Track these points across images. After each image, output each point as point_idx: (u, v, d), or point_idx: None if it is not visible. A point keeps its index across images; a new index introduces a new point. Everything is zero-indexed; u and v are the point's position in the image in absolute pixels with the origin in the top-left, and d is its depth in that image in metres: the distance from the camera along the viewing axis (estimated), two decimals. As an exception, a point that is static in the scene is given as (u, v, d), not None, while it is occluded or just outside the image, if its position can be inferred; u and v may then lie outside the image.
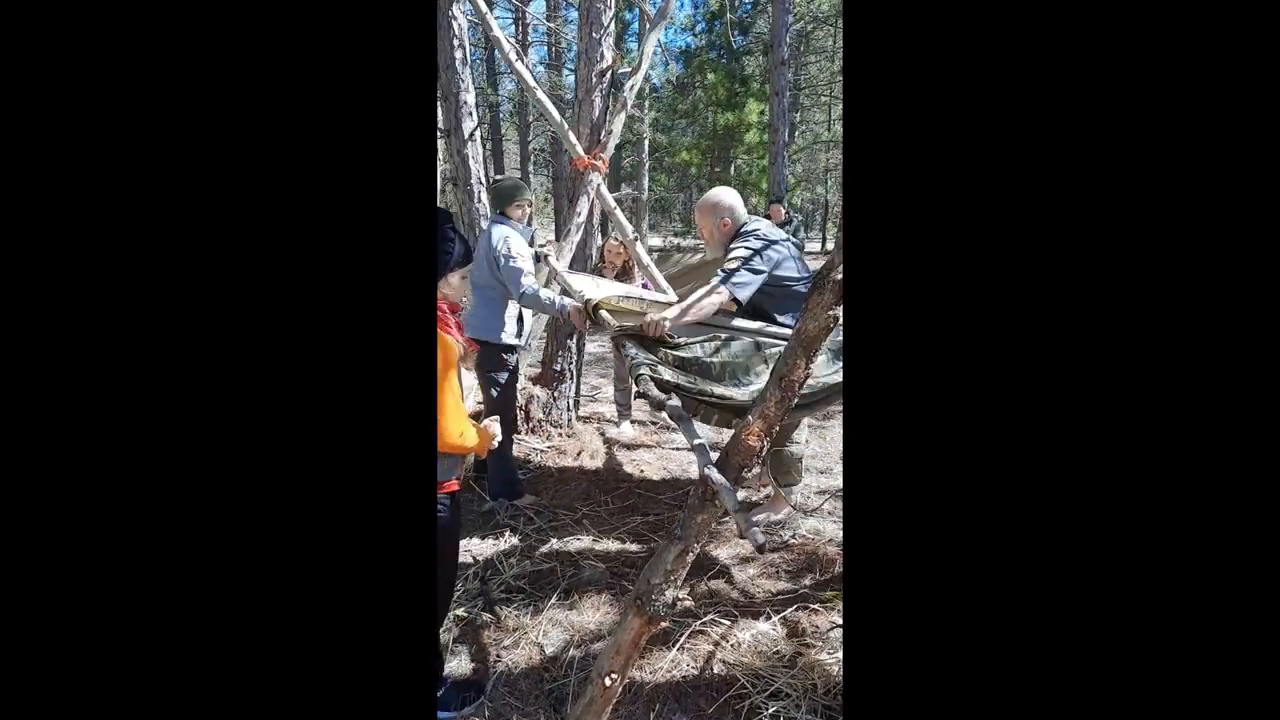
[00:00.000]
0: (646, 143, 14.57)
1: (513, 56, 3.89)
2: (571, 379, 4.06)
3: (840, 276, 1.54)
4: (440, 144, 4.20)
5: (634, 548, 2.80)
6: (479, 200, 3.92)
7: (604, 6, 3.78)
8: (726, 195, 2.83)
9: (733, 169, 14.34)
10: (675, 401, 2.02)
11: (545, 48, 14.59)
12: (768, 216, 6.04)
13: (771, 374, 1.68)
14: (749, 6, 14.99)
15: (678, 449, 4.00)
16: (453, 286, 1.85)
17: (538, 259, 3.34)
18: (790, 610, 2.29)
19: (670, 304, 3.05)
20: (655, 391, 2.00)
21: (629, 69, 4.02)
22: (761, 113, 13.14)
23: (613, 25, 3.86)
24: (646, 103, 14.23)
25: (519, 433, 3.84)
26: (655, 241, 15.85)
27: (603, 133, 3.77)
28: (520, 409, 3.86)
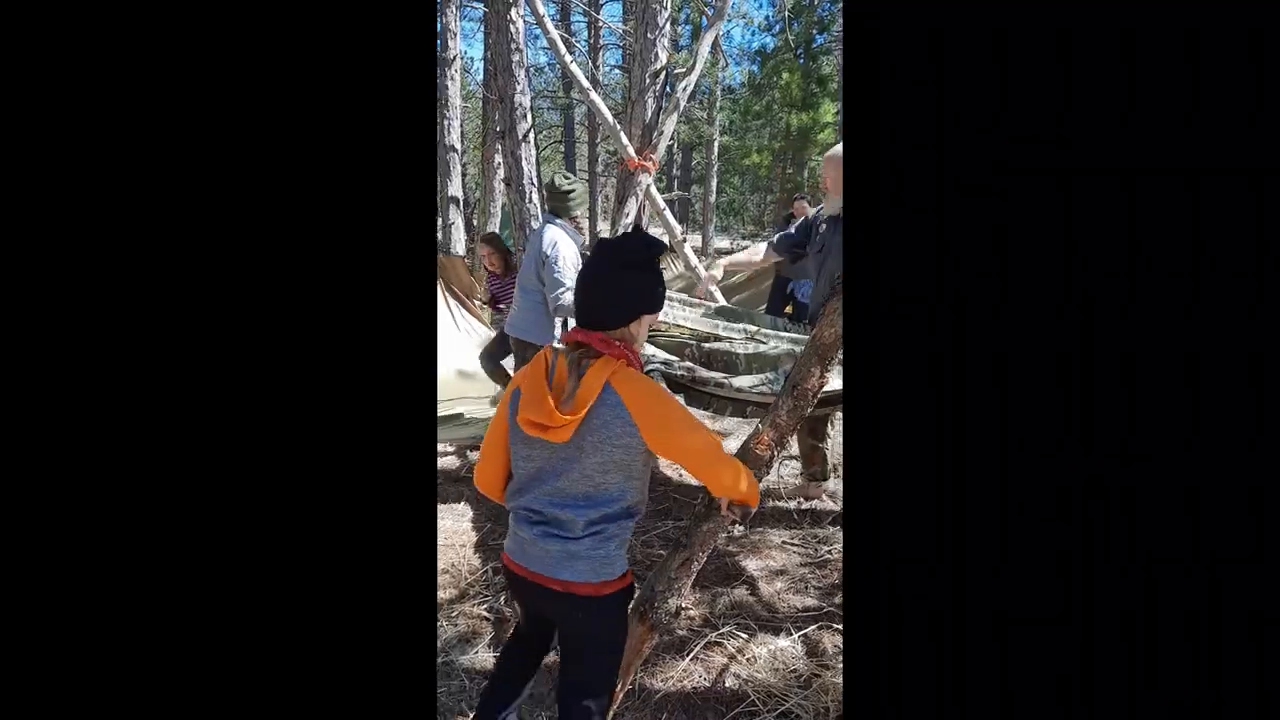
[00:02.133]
0: (716, 144, 14.50)
1: (568, 59, 3.93)
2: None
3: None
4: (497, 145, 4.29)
5: (662, 552, 2.78)
6: (530, 200, 3.98)
7: (660, 8, 3.78)
8: None
9: (806, 171, 14.11)
10: (679, 398, 2.01)
11: (620, 51, 14.70)
12: (790, 216, 5.81)
13: (786, 382, 1.64)
14: (829, 5, 14.71)
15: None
16: (638, 332, 1.36)
17: None
18: (813, 628, 2.22)
19: (714, 306, 3.03)
20: (665, 388, 2.02)
21: (684, 69, 4.00)
22: (836, 113, 12.89)
23: (668, 26, 3.85)
24: (718, 104, 14.16)
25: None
26: (723, 244, 15.75)
27: (654, 134, 3.76)
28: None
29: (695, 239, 15.17)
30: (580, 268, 1.27)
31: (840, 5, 13.81)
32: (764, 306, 6.33)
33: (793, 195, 7.96)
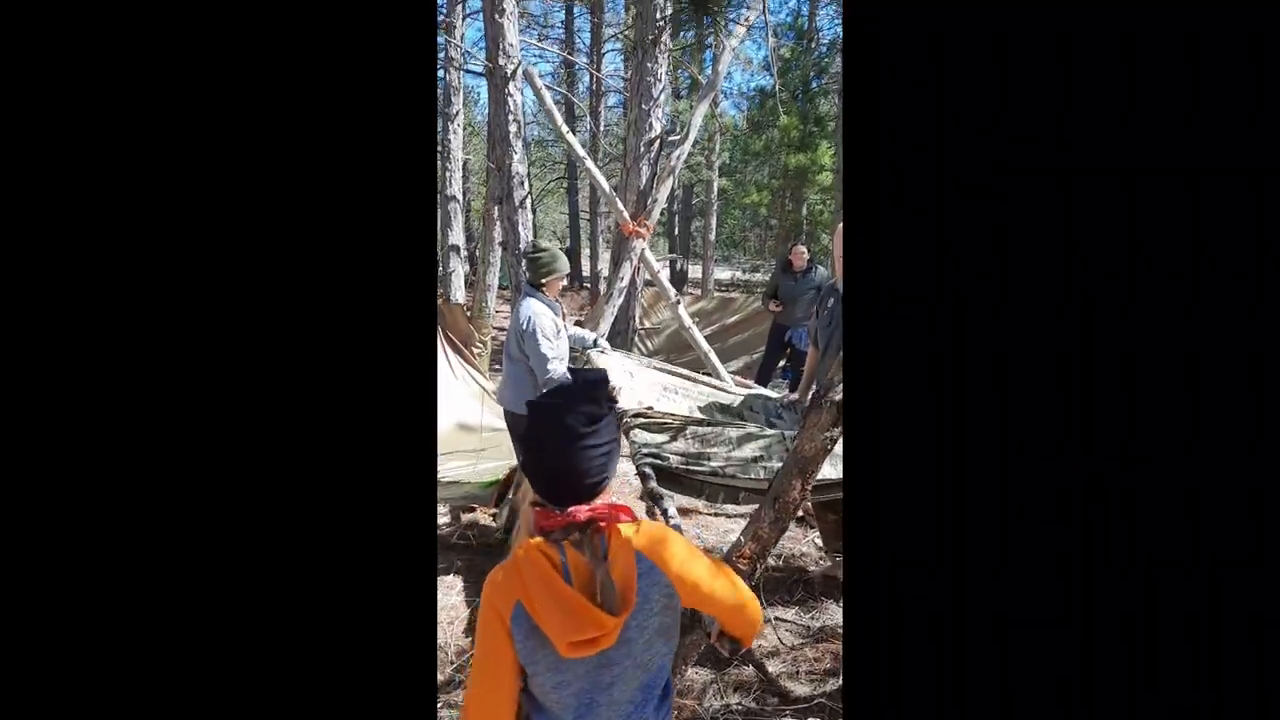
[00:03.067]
0: (716, 184, 14.71)
1: (564, 129, 4.03)
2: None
3: (839, 398, 1.43)
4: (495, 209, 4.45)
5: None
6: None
7: (654, 80, 3.91)
8: None
9: (805, 209, 14.27)
10: (670, 507, 1.97)
11: (621, 94, 14.97)
12: (789, 262, 5.77)
13: (767, 495, 1.57)
14: (825, 49, 15.03)
15: (716, 515, 3.90)
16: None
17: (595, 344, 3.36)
18: (805, 723, 2.11)
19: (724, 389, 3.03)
20: (656, 486, 2.04)
21: (678, 137, 4.08)
22: (834, 155, 13.06)
23: (663, 97, 3.98)
24: (717, 144, 14.37)
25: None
26: (723, 275, 15.86)
27: (649, 200, 3.86)
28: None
29: (695, 271, 15.26)
30: (539, 440, 1.09)
31: (835, 50, 14.13)
32: (761, 350, 6.30)
33: (791, 236, 7.88)
